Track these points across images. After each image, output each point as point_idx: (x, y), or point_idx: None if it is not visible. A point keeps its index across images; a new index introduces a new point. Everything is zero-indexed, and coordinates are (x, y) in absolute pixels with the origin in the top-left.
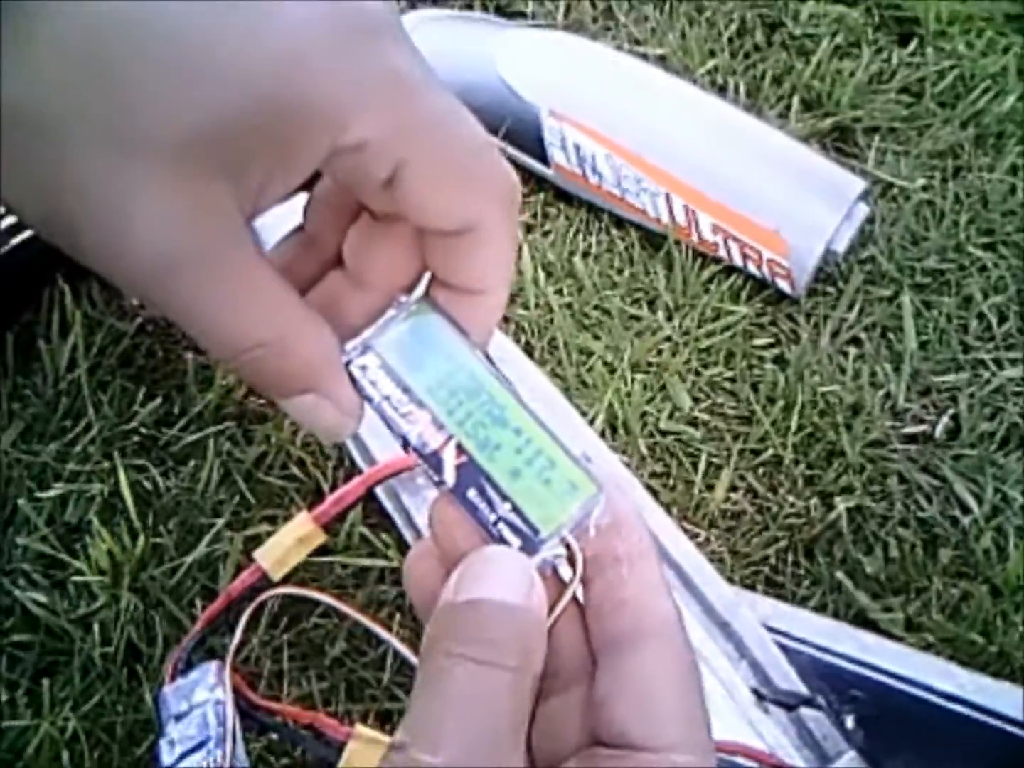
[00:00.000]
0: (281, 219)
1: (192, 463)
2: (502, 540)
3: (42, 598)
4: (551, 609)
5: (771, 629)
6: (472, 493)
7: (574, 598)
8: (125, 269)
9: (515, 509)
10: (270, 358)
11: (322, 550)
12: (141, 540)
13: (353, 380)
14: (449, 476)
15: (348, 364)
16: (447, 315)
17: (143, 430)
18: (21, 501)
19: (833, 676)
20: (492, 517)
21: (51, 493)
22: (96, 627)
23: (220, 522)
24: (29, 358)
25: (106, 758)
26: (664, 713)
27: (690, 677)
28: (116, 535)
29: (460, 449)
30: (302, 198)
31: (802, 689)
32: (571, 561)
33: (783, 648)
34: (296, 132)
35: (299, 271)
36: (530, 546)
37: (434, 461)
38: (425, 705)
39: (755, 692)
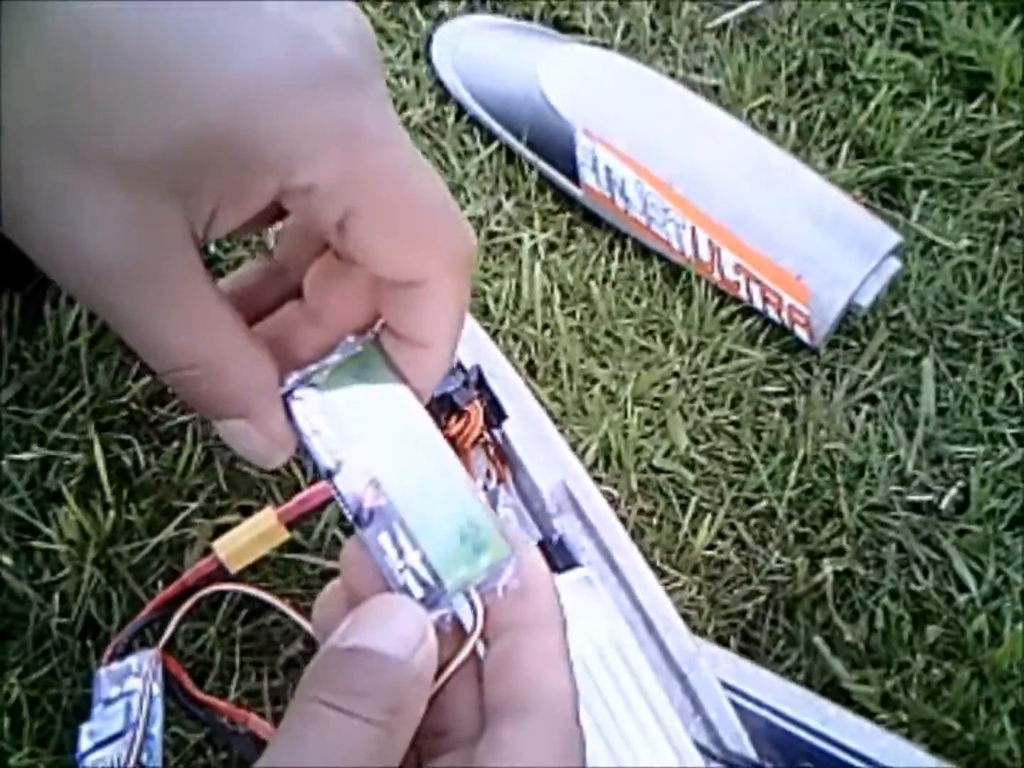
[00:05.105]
0: None
1: (176, 444)
2: (405, 589)
3: (8, 560)
4: (447, 666)
5: (729, 687)
6: (384, 537)
7: (475, 658)
8: (70, 275)
9: (424, 559)
10: (203, 379)
11: (293, 548)
12: (112, 515)
13: (288, 411)
14: (364, 517)
15: (287, 395)
16: (391, 362)
17: (133, 406)
18: (4, 463)
19: (787, 744)
20: (399, 564)
21: (33, 456)
22: (57, 597)
23: (193, 506)
24: (35, 321)
25: (47, 729)
26: None
27: (567, 758)
28: (89, 507)
29: (379, 491)
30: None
31: (751, 754)
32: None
33: (739, 708)
34: (246, 168)
35: (259, 297)
36: (432, 599)
37: (352, 500)
38: (282, 747)
39: (704, 751)
